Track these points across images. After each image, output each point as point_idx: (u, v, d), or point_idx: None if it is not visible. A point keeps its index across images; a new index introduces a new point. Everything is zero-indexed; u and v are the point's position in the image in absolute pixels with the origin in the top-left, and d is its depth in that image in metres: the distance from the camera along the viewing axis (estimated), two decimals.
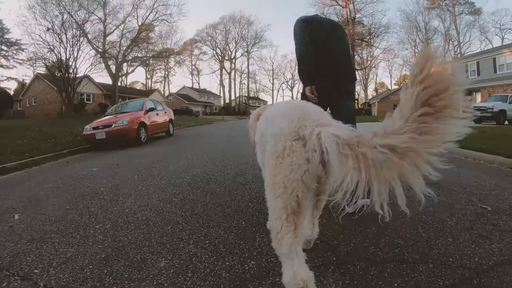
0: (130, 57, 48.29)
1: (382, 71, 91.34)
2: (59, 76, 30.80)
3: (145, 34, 51.89)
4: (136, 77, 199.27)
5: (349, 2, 51.03)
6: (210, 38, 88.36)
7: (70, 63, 31.40)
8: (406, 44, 73.08)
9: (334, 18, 56.01)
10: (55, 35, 31.44)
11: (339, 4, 52.62)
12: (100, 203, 4.23)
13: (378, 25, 52.12)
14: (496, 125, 19.76)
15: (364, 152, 1.29)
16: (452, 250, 2.48)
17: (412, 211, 3.11)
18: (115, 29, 45.07)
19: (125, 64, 65.89)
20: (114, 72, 43.89)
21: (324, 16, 4.87)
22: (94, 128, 11.95)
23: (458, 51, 67.94)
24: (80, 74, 33.59)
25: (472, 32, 68.11)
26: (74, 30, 33.53)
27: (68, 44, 31.52)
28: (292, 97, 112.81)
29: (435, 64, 1.20)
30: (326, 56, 3.57)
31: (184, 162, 7.30)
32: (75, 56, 31.94)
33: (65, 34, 31.73)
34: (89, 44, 40.00)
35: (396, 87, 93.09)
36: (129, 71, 60.89)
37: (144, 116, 13.43)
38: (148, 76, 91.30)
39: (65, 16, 33.47)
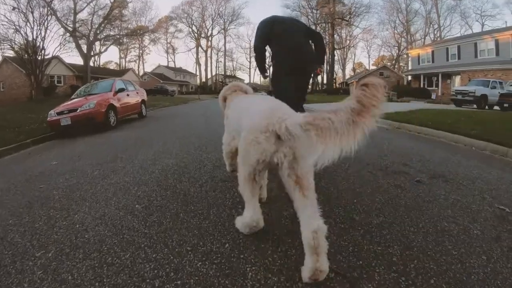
0: (102, 36, 46.36)
1: (361, 51, 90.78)
2: (27, 58, 29.42)
3: (118, 11, 50.28)
4: (110, 56, 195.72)
5: None
6: (186, 15, 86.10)
7: (38, 44, 30.09)
8: (386, 25, 72.87)
9: None
10: (21, 14, 29.89)
11: None
12: (48, 214, 3.33)
13: (359, 5, 51.38)
14: (477, 109, 20.24)
15: (318, 123, 1.67)
16: (491, 275, 2.03)
17: (431, 216, 2.93)
18: (86, 6, 43.12)
19: (97, 44, 64.43)
20: (85, 52, 42.15)
21: (286, 16, 6.32)
22: (58, 114, 10.81)
23: (438, 35, 68.17)
24: (48, 55, 32.05)
25: (453, 17, 68.89)
26: (42, 8, 31.80)
27: (36, 23, 30.02)
28: (270, 75, 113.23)
29: (380, 90, 1.60)
30: (288, 44, 4.58)
31: (154, 150, 6.46)
32: (42, 36, 30.45)
33: (32, 12, 30.12)
34: (58, 23, 38.40)
35: (374, 67, 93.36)
36: (102, 50, 58.66)
37: (113, 98, 12.34)
38: (122, 56, 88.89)
39: None
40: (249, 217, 2.42)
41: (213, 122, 10.92)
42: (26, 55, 29.13)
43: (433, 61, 41.53)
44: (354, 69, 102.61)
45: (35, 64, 29.35)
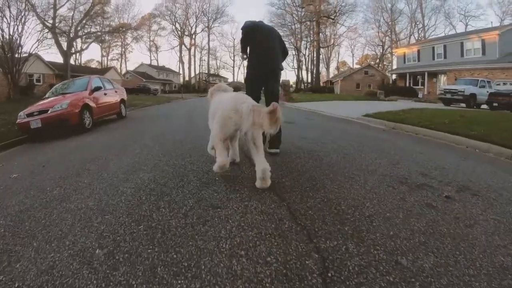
0: (83, 33, 44.94)
1: (345, 50, 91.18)
2: (3, 56, 28.06)
3: (100, 8, 49.13)
4: (91, 54, 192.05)
5: None
6: (169, 12, 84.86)
7: (15, 41, 28.77)
8: (371, 24, 72.85)
9: None
10: None
11: None
12: None
13: (345, 3, 50.64)
14: (467, 108, 20.57)
15: (257, 109, 3.40)
16: None
17: (482, 248, 2.35)
18: (67, 1, 41.66)
19: (79, 41, 63.01)
20: (65, 49, 40.77)
21: (267, 25, 6.08)
22: (28, 115, 9.81)
23: (422, 35, 68.45)
24: (26, 53, 30.63)
25: (438, 17, 69.63)
26: (19, 2, 30.43)
27: (12, 19, 28.69)
28: None
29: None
30: (265, 51, 5.38)
31: (129, 160, 5.53)
32: (19, 32, 29.16)
33: (9, 7, 28.74)
34: (37, 19, 37.09)
35: (358, 66, 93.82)
36: (83, 48, 57.02)
37: (88, 97, 11.33)
38: (104, 54, 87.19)
39: None
40: (221, 160, 3.76)
41: (199, 127, 9.77)
42: (2, 53, 27.79)
43: (419, 60, 41.56)
44: (338, 68, 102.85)
45: (12, 62, 28.00)
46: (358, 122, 11.48)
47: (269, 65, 5.45)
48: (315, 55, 56.82)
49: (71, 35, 42.03)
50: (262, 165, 3.51)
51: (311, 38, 60.74)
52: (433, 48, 39.37)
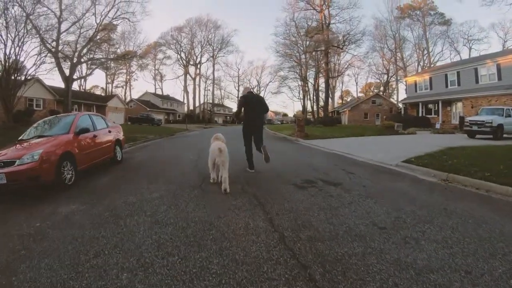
0: (85, 58, 42.96)
1: (348, 78, 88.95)
2: None
3: (105, 34, 47.46)
4: (96, 81, 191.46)
5: (324, 7, 47.47)
6: (175, 41, 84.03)
7: (11, 63, 26.59)
8: (374, 52, 70.83)
9: (304, 23, 53.04)
10: None
11: (314, 9, 49.09)
12: None
13: (354, 32, 48.51)
14: (493, 140, 19.10)
15: (221, 149, 7.27)
16: None
17: None
18: (71, 25, 39.76)
19: (84, 66, 61.36)
20: (67, 74, 38.67)
21: (254, 93, 10.26)
22: None
23: (427, 61, 66.84)
24: (21, 77, 28.34)
25: (445, 42, 67.59)
26: (18, 23, 28.28)
27: (10, 39, 26.63)
28: None
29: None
30: (252, 113, 9.23)
31: (106, 263, 3.00)
32: (17, 53, 27.08)
33: (7, 28, 26.66)
34: (40, 41, 34.96)
35: (361, 94, 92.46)
36: (87, 73, 55.13)
37: (72, 142, 8.76)
38: (109, 81, 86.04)
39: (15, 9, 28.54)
40: (212, 177, 7.81)
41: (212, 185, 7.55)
42: None
43: (431, 88, 39.69)
44: (342, 97, 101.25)
45: (6, 85, 25.75)
46: (402, 173, 9.30)
47: (256, 123, 9.45)
48: (323, 85, 54.50)
49: (74, 60, 39.97)
50: (224, 175, 7.00)
51: (317, 68, 58.77)
52: (446, 75, 37.62)
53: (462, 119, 28.56)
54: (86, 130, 9.65)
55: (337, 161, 11.61)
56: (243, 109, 9.25)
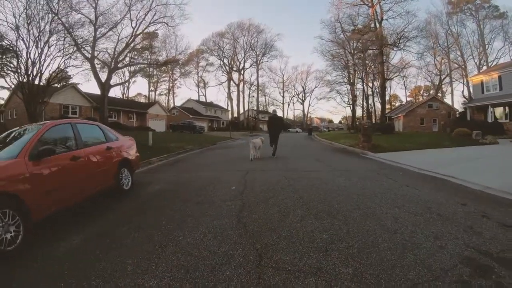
0: (122, 64, 39.83)
1: (396, 82, 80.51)
2: (21, 82, 22.91)
3: (147, 42, 44.83)
4: (140, 89, 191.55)
5: (376, 1, 41.67)
6: (217, 47, 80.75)
7: (37, 67, 23.52)
8: (425, 52, 62.55)
9: (350, 24, 47.92)
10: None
11: (364, 3, 43.49)
12: None
13: (409, 28, 42.07)
14: None
15: (256, 141, 14.88)
16: None
17: None
18: (107, 31, 36.77)
19: (127, 74, 59.14)
20: (103, 80, 35.66)
21: (277, 115, 17.24)
22: None
23: (484, 58, 59.36)
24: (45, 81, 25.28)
25: (498, 37, 59.25)
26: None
27: (31, 41, 23.57)
28: (303, 110, 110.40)
29: None
30: (273, 128, 15.76)
31: None
32: (40, 56, 23.85)
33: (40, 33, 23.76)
34: (76, 49, 32.44)
35: (411, 99, 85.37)
36: (126, 80, 52.32)
37: (22, 174, 4.54)
38: (152, 88, 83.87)
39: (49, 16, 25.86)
40: (252, 156, 14.04)
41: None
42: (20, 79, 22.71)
43: (501, 89, 32.34)
44: (390, 102, 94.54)
45: (29, 91, 22.61)
46: None
47: (275, 133, 15.32)
48: (379, 90, 48.66)
49: (111, 67, 36.93)
50: (258, 154, 14.53)
51: (365, 70, 53.34)
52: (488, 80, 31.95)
53: None
54: (52, 151, 5.39)
55: (462, 197, 6.62)
56: (270, 125, 16.45)
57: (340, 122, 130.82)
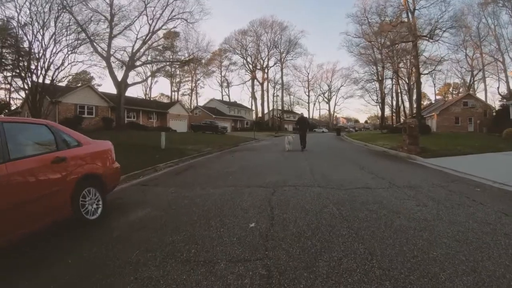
0: (138, 63, 37.62)
1: (425, 79, 74.07)
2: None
3: (169, 41, 42.91)
4: (163, 89, 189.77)
5: None
6: (240, 45, 78.37)
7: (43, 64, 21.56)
8: (461, 44, 57.17)
9: (376, 18, 44.39)
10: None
11: None
12: None
13: (443, 18, 37.71)
14: None
15: (292, 137, 20.27)
16: None
17: None
18: (123, 29, 34.75)
19: (149, 73, 57.41)
20: (119, 79, 33.56)
21: (304, 116, 21.69)
22: None
23: None
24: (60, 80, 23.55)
25: None
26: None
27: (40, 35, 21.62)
28: (329, 110, 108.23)
29: None
30: (301, 128, 19.84)
31: None
32: (44, 52, 21.89)
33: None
34: (92, 47, 30.85)
35: (439, 97, 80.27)
36: (144, 79, 50.16)
37: None
38: (175, 89, 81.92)
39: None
40: (287, 148, 18.21)
41: None
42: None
43: None
44: (417, 100, 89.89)
45: (31, 88, 20.56)
46: None
47: (303, 134, 19.02)
48: (414, 86, 44.30)
49: (128, 64, 34.79)
50: (291, 148, 18.32)
51: (395, 67, 49.65)
52: None
53: None
54: None
55: None
56: (298, 125, 21.32)
57: (366, 122, 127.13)
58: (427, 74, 49.03)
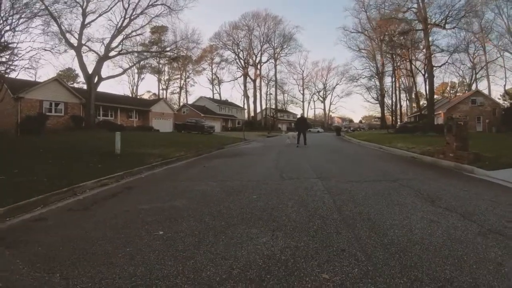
0: (114, 52, 33.05)
1: (421, 79, 70.59)
2: None
3: (156, 36, 38.92)
4: (150, 87, 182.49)
5: None
6: (231, 40, 74.11)
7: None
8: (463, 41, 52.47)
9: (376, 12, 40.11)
10: None
11: None
12: None
13: (455, 7, 33.24)
14: None
15: (292, 134, 25.79)
16: None
17: None
18: (97, 17, 30.40)
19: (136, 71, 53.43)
20: (90, 72, 29.00)
21: (303, 116, 24.00)
22: None
23: None
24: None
25: None
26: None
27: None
28: (324, 109, 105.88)
29: None
30: (299, 128, 21.98)
31: None
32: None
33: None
34: (61, 35, 26.40)
35: (437, 96, 76.46)
36: (120, 73, 45.15)
37: None
38: (164, 87, 77.23)
39: None
40: (288, 142, 23.18)
41: None
42: None
43: None
44: (416, 100, 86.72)
45: None
46: None
47: (303, 132, 21.28)
48: (426, 81, 38.78)
49: (101, 55, 30.26)
50: (293, 142, 22.35)
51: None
52: None
53: None
54: None
55: None
56: (298, 125, 22.82)
57: (360, 122, 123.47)
58: (439, 67, 43.73)
